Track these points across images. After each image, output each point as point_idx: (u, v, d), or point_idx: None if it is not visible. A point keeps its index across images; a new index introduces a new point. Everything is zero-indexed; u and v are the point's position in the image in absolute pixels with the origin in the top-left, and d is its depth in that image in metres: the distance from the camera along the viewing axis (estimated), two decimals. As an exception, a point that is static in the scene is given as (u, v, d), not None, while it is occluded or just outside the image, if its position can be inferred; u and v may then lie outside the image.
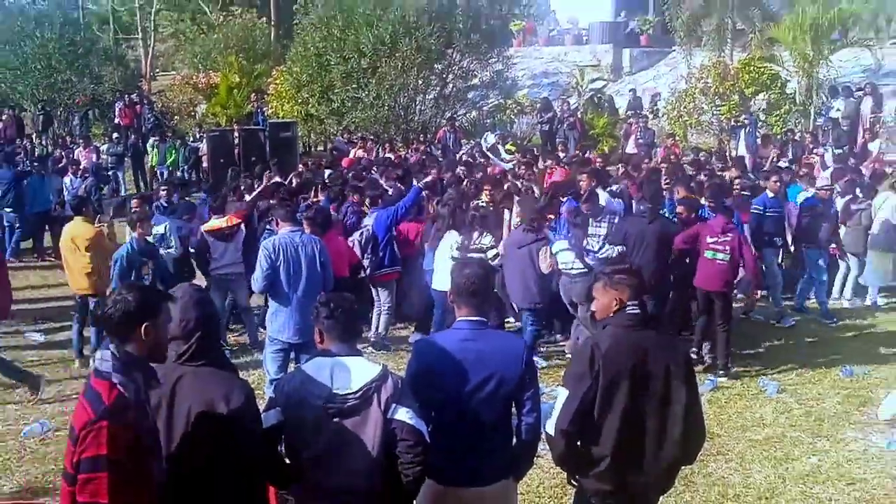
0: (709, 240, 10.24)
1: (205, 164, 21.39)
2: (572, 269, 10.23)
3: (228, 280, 11.12)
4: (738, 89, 22.53)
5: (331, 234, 10.35)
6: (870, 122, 20.79)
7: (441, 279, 10.41)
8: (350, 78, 24.45)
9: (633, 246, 10.29)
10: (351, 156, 19.89)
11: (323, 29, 25.42)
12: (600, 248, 10.50)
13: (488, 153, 19.50)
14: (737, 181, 14.09)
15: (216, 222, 11.23)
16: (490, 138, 22.12)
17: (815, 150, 18.83)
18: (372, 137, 22.48)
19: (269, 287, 8.51)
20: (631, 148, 21.88)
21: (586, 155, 18.75)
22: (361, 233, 11.29)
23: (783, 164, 17.76)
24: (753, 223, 12.28)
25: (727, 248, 10.14)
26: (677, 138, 22.08)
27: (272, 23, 41.94)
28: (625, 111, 25.75)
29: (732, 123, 22.08)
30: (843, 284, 13.41)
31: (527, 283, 10.13)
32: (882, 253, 12.84)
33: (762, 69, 23.01)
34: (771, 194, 12.53)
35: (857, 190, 13.40)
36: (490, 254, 10.39)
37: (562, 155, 20.04)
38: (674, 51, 30.34)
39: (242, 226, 11.25)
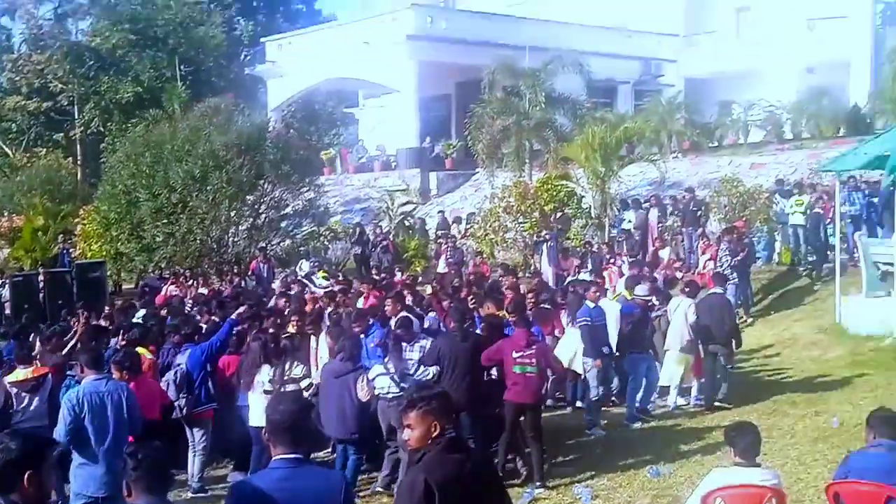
0: (514, 354, 10.44)
1: (7, 311, 20.63)
2: (389, 393, 10.32)
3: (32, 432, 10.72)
4: (538, 206, 23.69)
5: (141, 377, 10.25)
6: (658, 232, 22.27)
7: (256, 415, 10.37)
8: (160, 213, 24.32)
9: (448, 365, 10.44)
10: (164, 293, 19.69)
11: (131, 166, 25.28)
12: (415, 371, 10.57)
13: (304, 280, 19.77)
14: (530, 294, 14.81)
15: (21, 373, 10.75)
16: (305, 266, 22.41)
17: (611, 260, 19.99)
18: (185, 273, 22.33)
19: (73, 441, 8.09)
20: (442, 267, 22.56)
21: (394, 278, 19.23)
22: (175, 371, 11.08)
23: (584, 275, 18.76)
24: (585, 335, 12.58)
25: (533, 360, 10.42)
26: (485, 256, 22.95)
27: (78, 162, 41.34)
28: (434, 232, 26.59)
29: (535, 239, 23.14)
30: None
31: (344, 414, 10.15)
32: (677, 354, 13.55)
33: (559, 187, 24.32)
34: (591, 304, 12.91)
35: (653, 297, 14.23)
36: (304, 384, 10.53)
37: (377, 278, 20.53)
38: (477, 172, 31.66)
39: (49, 376, 10.96)
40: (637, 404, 13.15)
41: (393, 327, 11.75)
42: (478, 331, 11.61)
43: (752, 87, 36.16)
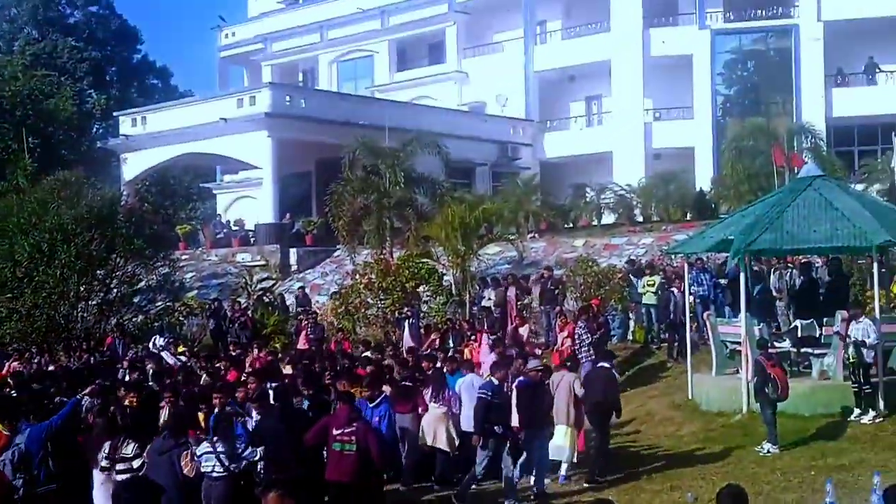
0: (335, 432, 10.34)
1: None
2: (213, 472, 10.08)
3: None
4: (399, 283, 23.76)
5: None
6: (517, 309, 22.58)
7: (98, 496, 10.25)
8: (4, 288, 23.28)
9: (269, 444, 10.35)
10: (5, 369, 18.69)
11: (-27, 239, 24.18)
12: (244, 451, 10.35)
13: (158, 351, 19.20)
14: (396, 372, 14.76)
15: None
16: (159, 342, 21.70)
17: (472, 337, 20.10)
18: (30, 349, 21.31)
19: None
20: (302, 343, 22.25)
21: (250, 354, 18.83)
22: (13, 451, 10.46)
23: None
24: (480, 410, 12.28)
25: (353, 438, 10.27)
26: (346, 332, 22.77)
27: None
28: (294, 308, 26.26)
29: (397, 315, 23.15)
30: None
31: (169, 493, 9.74)
32: (564, 428, 13.56)
33: (420, 264, 24.49)
34: (496, 381, 12.58)
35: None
36: (136, 463, 10.18)
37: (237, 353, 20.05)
38: (338, 249, 31.61)
39: None
40: (533, 484, 12.84)
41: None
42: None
43: (603, 170, 37.70)
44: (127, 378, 15.55)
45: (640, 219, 32.38)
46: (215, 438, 10.31)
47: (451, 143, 32.19)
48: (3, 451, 10.50)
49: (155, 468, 9.96)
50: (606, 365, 14.34)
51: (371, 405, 11.87)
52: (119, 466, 10.28)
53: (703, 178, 35.24)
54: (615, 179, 35.85)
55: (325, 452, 10.94)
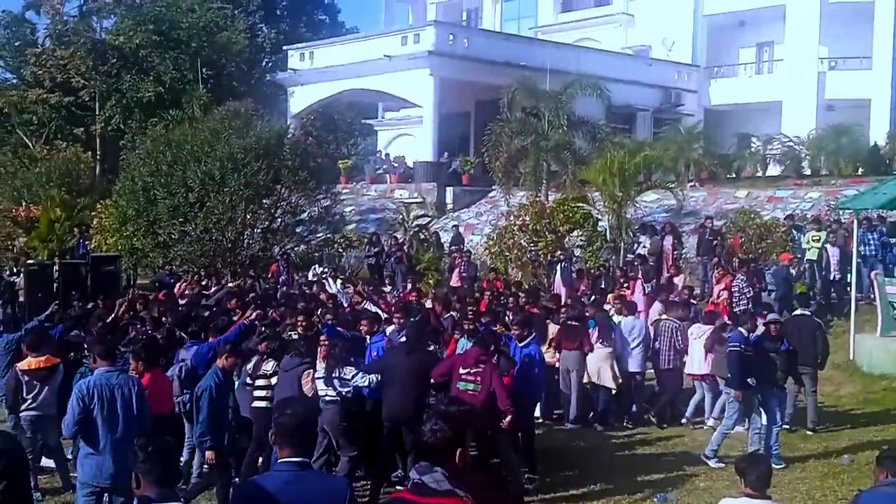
0: (461, 371, 10.35)
1: (21, 299, 20.70)
2: (326, 396, 10.32)
3: (39, 421, 10.70)
4: (553, 227, 23.70)
5: (156, 371, 10.24)
6: (673, 259, 22.25)
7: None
8: (177, 212, 24.38)
9: (391, 377, 10.34)
10: (176, 289, 19.67)
11: (151, 164, 25.38)
12: (353, 377, 10.44)
13: (323, 279, 19.75)
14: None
15: (33, 361, 10.76)
16: (318, 271, 22.47)
17: (625, 284, 19.92)
18: (199, 271, 22.38)
19: (81, 431, 8.12)
20: (455, 281, 22.58)
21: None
22: (180, 367, 11.08)
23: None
24: (734, 362, 11.91)
25: (478, 378, 10.25)
26: (499, 272, 22.95)
27: (97, 157, 41.56)
28: (448, 246, 26.60)
29: (549, 259, 23.15)
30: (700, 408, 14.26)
31: None
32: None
33: (575, 209, 24.29)
34: (745, 332, 12.15)
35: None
36: (273, 380, 10.57)
37: (388, 288, 20.57)
38: (493, 190, 31.74)
39: (61, 366, 10.94)
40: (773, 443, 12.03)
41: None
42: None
43: (771, 121, 36.32)
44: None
45: (808, 172, 31.15)
46: (328, 362, 10.51)
47: (612, 87, 31.60)
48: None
49: (281, 384, 10.35)
50: (807, 312, 14.09)
51: (521, 344, 11.99)
52: (259, 382, 10.68)
53: (879, 132, 33.49)
54: (783, 130, 34.53)
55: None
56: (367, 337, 12.15)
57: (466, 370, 10.32)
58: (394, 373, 10.34)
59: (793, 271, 20.31)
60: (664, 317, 14.75)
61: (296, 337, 11.58)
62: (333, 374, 10.38)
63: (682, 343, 14.23)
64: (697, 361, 14.17)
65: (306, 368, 10.30)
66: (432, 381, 10.62)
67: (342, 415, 10.38)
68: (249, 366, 10.90)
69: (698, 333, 14.18)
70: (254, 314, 12.36)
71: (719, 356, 13.51)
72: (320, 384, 10.31)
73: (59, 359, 11.08)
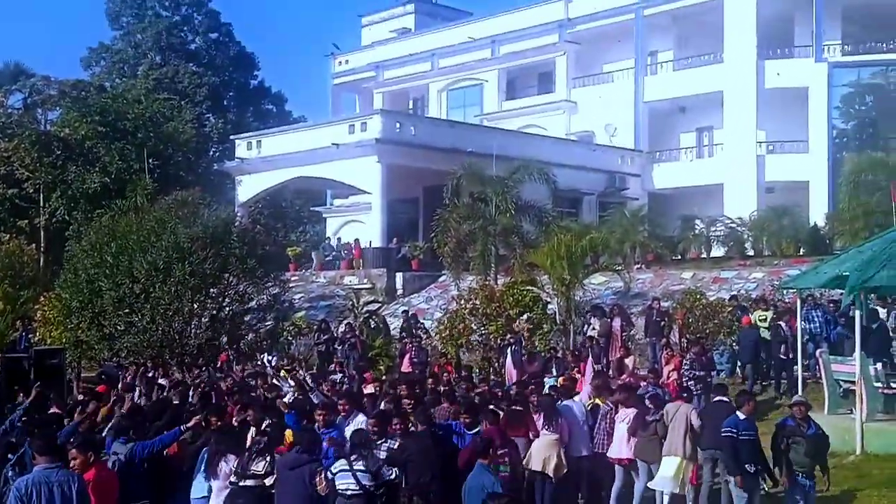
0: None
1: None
2: (348, 490, 10.13)
3: None
4: (503, 310, 23.75)
5: (100, 465, 9.96)
6: (622, 340, 22.38)
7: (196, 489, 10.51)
8: (123, 303, 24.06)
9: (415, 467, 10.31)
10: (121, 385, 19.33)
11: (95, 255, 25.08)
12: (379, 468, 10.36)
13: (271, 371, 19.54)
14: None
15: None
16: (266, 359, 22.23)
17: (574, 368, 19.92)
18: (145, 363, 22.02)
19: None
20: (406, 366, 22.45)
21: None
22: (112, 461, 10.70)
23: (549, 379, 18.68)
24: (730, 449, 11.71)
25: (506, 459, 10.34)
26: (449, 357, 22.87)
27: (41, 249, 41.02)
28: (399, 332, 26.53)
29: (500, 342, 23.14)
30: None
31: None
32: (677, 460, 13.03)
33: (525, 292, 24.41)
34: (743, 416, 11.91)
35: (647, 402, 14.04)
36: (268, 481, 10.28)
37: (339, 377, 20.36)
38: (443, 274, 31.85)
39: None
40: None
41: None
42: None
43: (713, 203, 37.13)
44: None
45: (751, 252, 31.74)
46: (353, 456, 10.33)
47: (558, 172, 32.20)
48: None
49: (284, 483, 10.07)
50: (725, 399, 13.61)
51: (470, 432, 11.85)
52: (248, 483, 10.24)
53: (818, 212, 34.38)
54: (726, 212, 35.30)
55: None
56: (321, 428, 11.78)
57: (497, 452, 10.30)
58: (419, 462, 10.34)
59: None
60: (598, 401, 14.26)
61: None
62: (357, 468, 10.17)
63: (610, 427, 13.78)
64: (618, 445, 13.60)
65: (317, 466, 10.09)
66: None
67: None
68: (229, 465, 10.48)
69: (622, 417, 13.65)
70: (192, 422, 11.80)
71: (642, 440, 13.33)
72: (345, 477, 10.11)
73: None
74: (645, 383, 16.59)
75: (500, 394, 15.56)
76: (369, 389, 15.62)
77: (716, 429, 12.55)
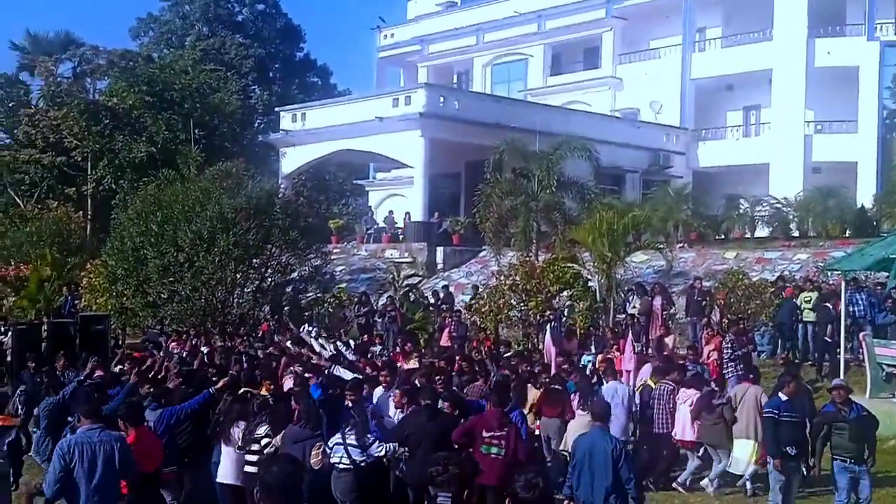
0: (484, 434, 10.27)
1: (9, 359, 20.58)
2: (340, 463, 10.26)
3: None
4: (543, 286, 23.71)
5: (142, 429, 10.19)
6: (662, 319, 22.27)
7: (224, 471, 10.63)
8: (167, 272, 24.35)
9: (414, 443, 10.32)
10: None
11: (141, 224, 25.40)
12: (371, 445, 10.45)
13: (309, 339, 19.67)
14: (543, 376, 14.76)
15: None
16: (306, 330, 22.37)
17: (614, 346, 19.87)
18: (188, 331, 22.33)
19: (63, 491, 8.04)
20: (444, 341, 22.54)
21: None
22: (147, 427, 10.93)
23: (587, 357, 18.68)
24: (770, 430, 11.63)
25: (502, 442, 10.17)
26: (488, 332, 22.92)
27: (88, 217, 41.62)
28: (439, 306, 26.58)
29: (539, 319, 23.13)
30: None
31: None
32: (750, 442, 13.07)
33: (565, 269, 24.32)
34: (785, 397, 11.79)
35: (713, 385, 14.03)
36: (263, 443, 10.47)
37: (378, 348, 20.52)
38: (483, 250, 31.84)
39: (15, 429, 10.94)
40: None
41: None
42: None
43: (759, 183, 36.69)
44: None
45: (796, 233, 31.37)
46: (347, 430, 10.45)
47: (602, 149, 31.93)
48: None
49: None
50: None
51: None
52: (252, 448, 10.50)
53: (865, 194, 33.89)
54: (771, 192, 34.89)
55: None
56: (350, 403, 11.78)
57: (490, 433, 10.24)
58: (417, 438, 10.31)
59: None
60: (660, 381, 14.28)
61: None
62: (349, 442, 10.28)
63: (674, 407, 13.85)
64: (683, 428, 13.72)
65: (317, 441, 10.22)
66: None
67: (357, 484, 10.28)
68: (239, 430, 10.75)
69: (683, 398, 13.79)
70: (221, 382, 12.23)
71: (706, 423, 13.35)
72: (338, 451, 10.25)
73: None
74: (685, 362, 16.55)
75: (539, 371, 15.52)
76: (412, 364, 15.63)
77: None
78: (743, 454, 13.14)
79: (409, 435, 10.47)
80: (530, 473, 4.98)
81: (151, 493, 9.92)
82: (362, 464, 10.32)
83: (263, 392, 12.51)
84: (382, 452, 10.40)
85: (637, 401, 14.50)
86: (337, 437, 10.35)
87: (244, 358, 16.63)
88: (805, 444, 11.86)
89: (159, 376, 13.88)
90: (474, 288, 27.06)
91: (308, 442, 10.16)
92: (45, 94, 47.37)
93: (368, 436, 10.49)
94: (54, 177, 45.17)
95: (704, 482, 13.66)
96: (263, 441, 10.45)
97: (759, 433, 12.90)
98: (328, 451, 10.27)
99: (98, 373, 13.95)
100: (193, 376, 13.74)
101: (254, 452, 10.50)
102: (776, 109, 39.70)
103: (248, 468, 10.50)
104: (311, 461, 9.98)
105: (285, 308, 26.05)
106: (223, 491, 10.70)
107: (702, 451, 13.94)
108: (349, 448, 10.27)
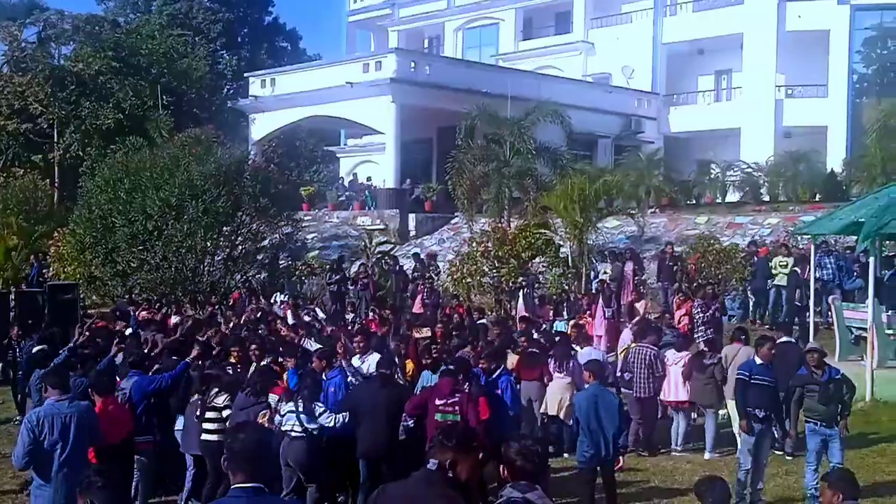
0: (437, 402, 10.30)
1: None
2: (292, 431, 10.19)
3: None
4: (516, 253, 23.73)
5: (110, 399, 10.10)
6: (633, 284, 22.36)
7: (188, 441, 10.69)
8: (136, 240, 24.16)
9: (364, 412, 10.26)
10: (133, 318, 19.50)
11: (109, 192, 25.13)
12: (320, 415, 10.32)
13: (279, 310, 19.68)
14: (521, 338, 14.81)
15: None
16: (279, 299, 22.33)
17: (587, 312, 19.93)
18: (158, 300, 22.17)
19: (32, 462, 8.06)
20: (417, 308, 22.51)
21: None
22: (118, 395, 10.84)
23: (560, 323, 18.72)
24: (740, 392, 11.47)
25: (456, 408, 10.21)
26: (461, 299, 22.91)
27: (55, 184, 41.11)
28: (411, 273, 26.54)
29: (512, 285, 23.16)
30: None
31: None
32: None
33: (537, 235, 24.37)
34: (759, 361, 11.55)
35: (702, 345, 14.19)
36: (225, 413, 10.47)
37: (350, 316, 20.48)
38: (456, 216, 31.78)
39: None
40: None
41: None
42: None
43: (730, 147, 36.80)
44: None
45: (767, 198, 31.54)
46: (299, 397, 10.37)
47: (573, 114, 31.84)
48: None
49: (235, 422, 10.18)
50: (792, 340, 13.52)
51: (492, 378, 11.83)
52: (209, 415, 10.52)
53: (835, 158, 34.08)
54: (742, 157, 35.01)
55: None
56: (322, 373, 11.63)
57: (443, 401, 10.23)
58: (367, 408, 10.25)
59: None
60: (637, 344, 14.30)
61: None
62: (300, 410, 10.20)
63: (662, 370, 13.86)
64: (675, 388, 13.87)
65: (262, 409, 10.24)
66: (405, 414, 10.51)
67: (308, 451, 10.23)
68: (198, 398, 10.78)
69: (674, 360, 13.91)
70: (195, 352, 12.17)
71: (698, 383, 13.46)
72: (288, 419, 10.17)
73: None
74: (669, 329, 16.59)
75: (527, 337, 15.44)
76: (425, 332, 15.43)
77: (788, 370, 12.39)
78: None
79: (358, 404, 10.37)
80: (527, 440, 4.93)
81: (119, 462, 9.84)
82: (315, 432, 10.21)
83: (232, 360, 12.46)
84: (331, 423, 10.23)
85: (619, 365, 14.62)
86: (290, 405, 10.26)
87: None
88: (779, 410, 11.90)
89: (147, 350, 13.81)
90: (429, 256, 27.03)
91: (253, 409, 10.19)
92: (9, 59, 46.52)
93: (317, 404, 10.35)
94: (20, 144, 44.52)
95: (707, 455, 13.57)
96: (225, 413, 10.42)
97: None
98: (279, 418, 10.20)
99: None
100: (181, 346, 13.57)
101: (211, 420, 10.50)
102: (747, 74, 39.74)
103: (205, 436, 10.52)
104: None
105: (258, 275, 25.89)
106: (189, 460, 10.75)
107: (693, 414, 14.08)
108: (300, 416, 10.16)
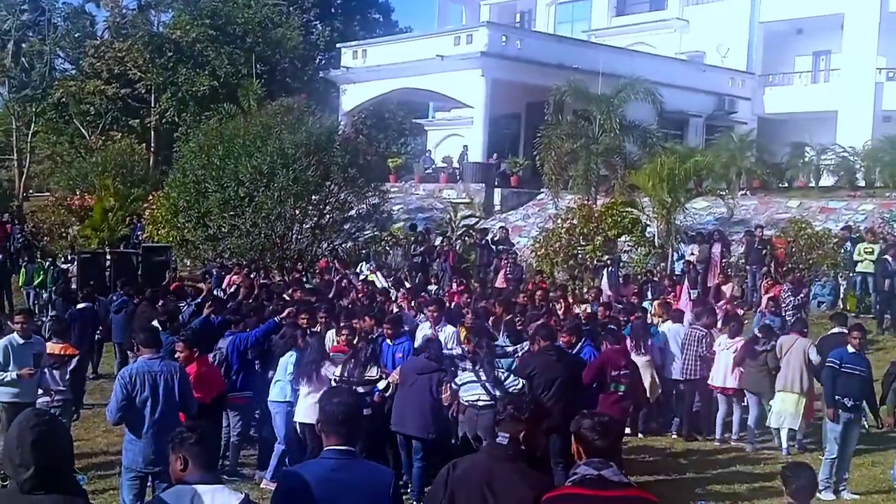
0: (613, 372, 10.55)
1: (73, 287, 21.09)
2: (479, 401, 10.00)
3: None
4: (601, 231, 23.58)
5: (202, 359, 10.41)
6: (720, 266, 22.04)
7: (303, 410, 10.36)
8: (227, 205, 24.66)
9: (541, 384, 10.08)
10: (226, 281, 19.98)
11: (203, 157, 25.70)
12: (505, 380, 10.15)
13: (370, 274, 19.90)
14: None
15: (54, 347, 11.02)
16: (364, 269, 22.61)
17: (672, 293, 19.74)
18: (248, 265, 22.64)
19: (124, 418, 8.28)
20: (500, 282, 22.56)
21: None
22: (215, 355, 11.25)
23: (644, 304, 18.58)
24: (828, 380, 11.23)
25: (626, 380, 10.51)
26: (545, 275, 22.88)
27: (151, 149, 42.18)
28: (495, 247, 26.54)
29: (596, 263, 23.03)
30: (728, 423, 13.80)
31: (424, 412, 10.04)
32: (794, 396, 12.88)
33: (624, 213, 24.15)
34: (851, 349, 11.27)
35: (756, 331, 13.94)
36: (381, 385, 10.41)
37: (433, 287, 20.63)
38: (542, 192, 31.65)
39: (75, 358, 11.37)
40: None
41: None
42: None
43: (825, 131, 35.81)
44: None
45: (862, 183, 30.67)
46: (478, 367, 10.22)
47: (665, 92, 31.34)
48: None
49: (410, 385, 10.21)
50: (844, 331, 12.71)
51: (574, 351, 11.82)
52: (362, 389, 10.12)
53: (936, 144, 32.90)
54: (838, 140, 34.03)
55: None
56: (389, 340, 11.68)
57: (618, 371, 10.52)
58: (545, 380, 10.11)
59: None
60: (692, 326, 14.23)
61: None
62: (483, 378, 10.08)
63: (709, 352, 13.70)
64: (723, 375, 13.59)
65: (443, 377, 10.19)
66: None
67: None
68: (334, 370, 10.48)
69: (726, 345, 13.62)
70: (285, 312, 12.37)
71: (750, 370, 13.23)
72: (473, 388, 10.06)
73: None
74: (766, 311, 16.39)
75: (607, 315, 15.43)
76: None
77: None
78: (788, 407, 12.96)
79: (534, 374, 10.23)
80: (604, 417, 4.86)
81: (210, 419, 10.11)
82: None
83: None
84: (519, 386, 9.99)
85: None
86: (468, 375, 10.13)
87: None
88: (870, 399, 11.66)
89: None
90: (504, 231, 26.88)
91: (434, 375, 10.14)
92: (111, 25, 47.82)
93: (500, 370, 10.29)
94: (118, 108, 45.75)
95: (736, 434, 13.58)
96: (381, 384, 10.42)
97: (804, 387, 12.76)
98: (456, 388, 10.13)
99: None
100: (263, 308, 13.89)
101: (366, 395, 10.23)
102: (847, 55, 38.57)
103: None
104: (442, 395, 10.06)
105: (343, 245, 26.22)
106: (304, 430, 10.38)
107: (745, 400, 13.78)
108: (486, 385, 10.00)
